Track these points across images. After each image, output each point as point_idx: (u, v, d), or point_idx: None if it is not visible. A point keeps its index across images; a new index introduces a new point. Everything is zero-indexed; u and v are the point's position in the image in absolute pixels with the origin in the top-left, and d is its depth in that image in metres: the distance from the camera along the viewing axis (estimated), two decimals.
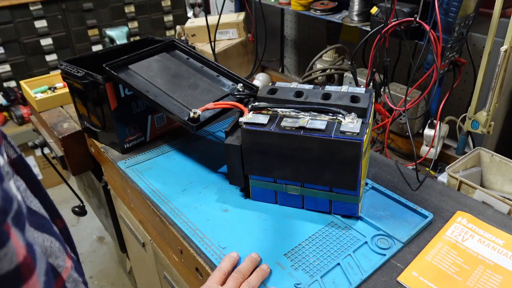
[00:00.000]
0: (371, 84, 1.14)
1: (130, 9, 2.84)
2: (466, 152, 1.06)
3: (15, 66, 2.56)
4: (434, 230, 0.84)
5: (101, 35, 2.74)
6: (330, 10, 1.29)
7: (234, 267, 0.74)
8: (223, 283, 0.71)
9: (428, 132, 1.10)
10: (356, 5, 1.17)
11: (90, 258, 2.21)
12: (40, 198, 0.44)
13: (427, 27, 0.96)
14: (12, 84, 2.59)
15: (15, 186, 0.37)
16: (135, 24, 2.90)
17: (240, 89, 1.06)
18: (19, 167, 0.42)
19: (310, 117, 0.82)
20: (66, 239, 0.49)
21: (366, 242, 0.81)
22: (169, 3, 2.98)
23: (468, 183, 0.95)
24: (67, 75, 1.10)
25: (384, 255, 0.78)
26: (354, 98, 0.84)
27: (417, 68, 1.03)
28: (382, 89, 1.15)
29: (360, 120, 0.80)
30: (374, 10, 1.06)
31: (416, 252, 0.79)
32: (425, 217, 0.86)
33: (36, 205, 0.42)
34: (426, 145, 1.12)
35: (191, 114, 0.93)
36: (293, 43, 1.87)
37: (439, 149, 1.10)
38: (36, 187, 0.44)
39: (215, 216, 0.89)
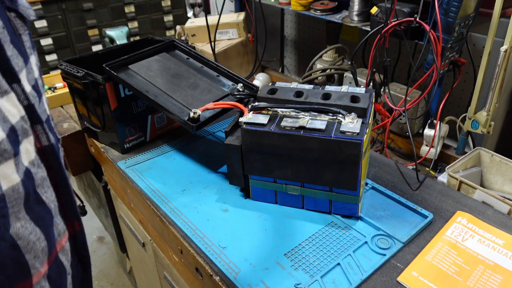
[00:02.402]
0: (371, 84, 1.14)
1: (130, 9, 2.84)
2: (466, 152, 1.06)
3: None
4: (434, 230, 0.84)
5: (101, 35, 2.74)
6: (330, 10, 1.29)
7: None
8: None
9: (428, 132, 1.10)
10: (356, 5, 1.17)
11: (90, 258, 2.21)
12: (62, 194, 0.43)
13: (427, 27, 0.96)
14: None
15: (17, 167, 0.35)
16: (135, 24, 2.90)
17: (240, 89, 1.07)
18: (48, 156, 0.41)
19: (310, 117, 0.82)
20: (80, 243, 0.47)
21: (366, 242, 0.81)
22: (169, 3, 2.98)
23: (468, 183, 0.95)
24: (67, 75, 1.10)
25: (384, 255, 0.78)
26: (354, 98, 0.84)
27: (417, 68, 1.03)
28: (382, 89, 1.15)
29: (360, 120, 0.80)
30: (374, 10, 1.06)
31: (416, 252, 0.79)
32: (425, 217, 0.86)
33: (49, 197, 0.41)
34: (426, 145, 1.12)
35: (191, 114, 0.93)
36: (293, 43, 1.87)
37: (439, 149, 1.10)
38: (61, 183, 0.43)
39: (215, 216, 0.89)
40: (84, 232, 0.48)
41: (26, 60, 0.40)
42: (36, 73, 0.43)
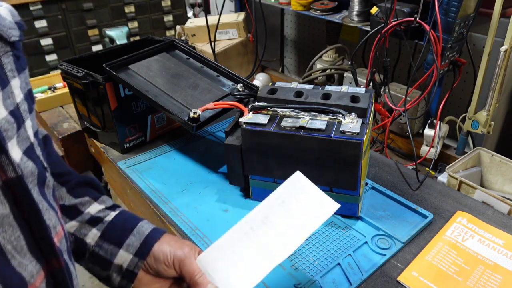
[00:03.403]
0: (371, 84, 1.14)
1: (130, 9, 2.84)
2: (466, 152, 1.06)
3: None
4: (434, 230, 0.84)
5: (101, 35, 2.74)
6: (330, 10, 1.29)
7: None
8: None
9: (428, 132, 1.10)
10: (356, 5, 1.17)
11: None
12: (34, 230, 0.39)
13: (427, 27, 0.96)
14: None
15: None
16: (135, 24, 2.89)
17: (240, 89, 1.06)
18: (15, 189, 0.37)
19: (310, 117, 0.82)
20: (60, 282, 0.42)
21: (366, 242, 0.81)
22: (169, 3, 2.97)
23: (468, 183, 0.95)
24: (67, 75, 1.10)
25: (384, 255, 0.78)
26: (354, 98, 0.84)
27: (417, 68, 1.03)
28: (382, 89, 1.15)
29: (360, 120, 0.80)
30: (374, 10, 1.06)
31: (416, 252, 0.79)
32: (425, 217, 0.86)
33: (7, 237, 0.37)
34: (426, 145, 1.12)
35: (191, 114, 0.93)
36: (293, 43, 1.87)
37: (439, 149, 1.10)
38: (33, 218, 0.39)
39: (215, 216, 0.89)
40: (65, 270, 0.43)
41: (3, 84, 0.38)
42: (18, 97, 0.40)
